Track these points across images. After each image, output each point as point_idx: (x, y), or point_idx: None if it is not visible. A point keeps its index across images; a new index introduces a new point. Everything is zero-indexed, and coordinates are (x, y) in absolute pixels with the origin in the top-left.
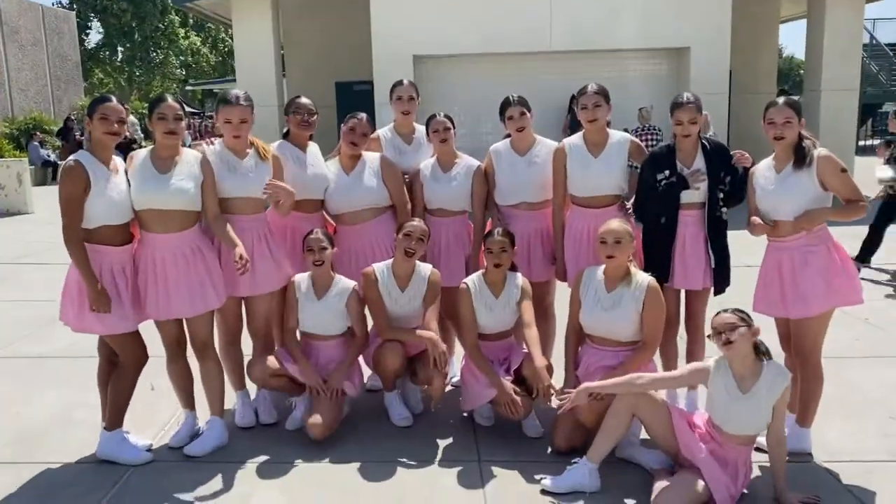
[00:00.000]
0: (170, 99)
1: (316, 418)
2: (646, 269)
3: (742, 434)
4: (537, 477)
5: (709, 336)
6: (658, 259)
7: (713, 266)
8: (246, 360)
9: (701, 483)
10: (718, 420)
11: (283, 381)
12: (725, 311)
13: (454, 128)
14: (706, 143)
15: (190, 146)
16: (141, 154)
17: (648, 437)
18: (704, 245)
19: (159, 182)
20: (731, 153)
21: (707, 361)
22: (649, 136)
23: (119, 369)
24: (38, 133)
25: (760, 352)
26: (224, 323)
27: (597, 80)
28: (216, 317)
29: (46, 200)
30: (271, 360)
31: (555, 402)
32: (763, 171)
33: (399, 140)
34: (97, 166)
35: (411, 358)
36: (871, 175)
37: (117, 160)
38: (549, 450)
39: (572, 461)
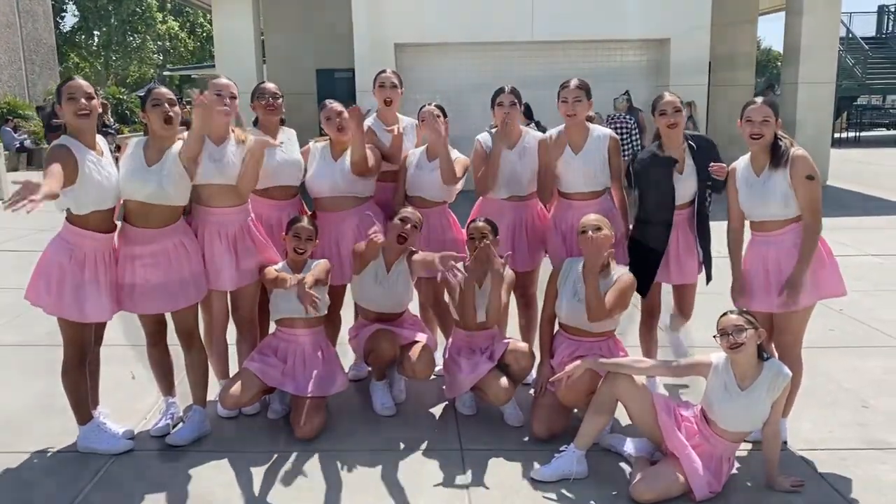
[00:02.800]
0: (161, 87)
1: (302, 421)
2: (632, 268)
3: (736, 430)
4: (516, 462)
5: (715, 336)
6: (652, 262)
7: (701, 259)
8: (230, 349)
9: (679, 474)
10: (714, 415)
11: (256, 398)
12: (732, 312)
13: (445, 117)
14: (693, 144)
15: None
16: (132, 143)
17: (631, 424)
18: (695, 240)
19: (146, 174)
20: (709, 167)
21: (709, 356)
22: (621, 125)
23: (63, 364)
24: (12, 119)
25: (762, 353)
26: (210, 315)
27: (578, 70)
28: (201, 308)
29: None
30: (244, 386)
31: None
32: (742, 172)
33: (382, 132)
34: (83, 150)
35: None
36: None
37: (100, 141)
38: (528, 437)
39: (560, 449)
